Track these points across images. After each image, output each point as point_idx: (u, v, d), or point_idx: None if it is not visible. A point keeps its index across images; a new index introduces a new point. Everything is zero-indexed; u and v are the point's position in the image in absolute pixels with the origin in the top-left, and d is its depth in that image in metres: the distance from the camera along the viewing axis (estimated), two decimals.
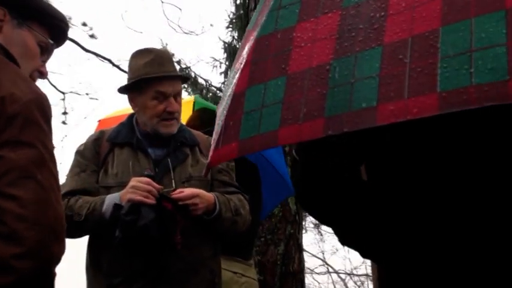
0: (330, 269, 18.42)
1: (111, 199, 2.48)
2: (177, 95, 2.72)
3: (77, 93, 10.55)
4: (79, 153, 2.71)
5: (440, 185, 1.36)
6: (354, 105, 0.94)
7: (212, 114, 3.85)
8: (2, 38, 1.60)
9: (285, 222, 5.35)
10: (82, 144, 2.73)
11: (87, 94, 10.53)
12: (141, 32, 10.30)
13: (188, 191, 2.50)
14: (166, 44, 11.12)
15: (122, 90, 2.79)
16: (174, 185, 2.56)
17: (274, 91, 1.03)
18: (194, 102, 4.17)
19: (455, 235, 1.35)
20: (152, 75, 2.65)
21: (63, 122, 10.63)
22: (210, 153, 1.15)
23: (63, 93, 10.45)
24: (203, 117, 3.60)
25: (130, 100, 2.75)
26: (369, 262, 19.82)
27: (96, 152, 2.68)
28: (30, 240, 1.32)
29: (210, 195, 2.56)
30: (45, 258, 1.37)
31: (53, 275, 1.43)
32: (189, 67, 10.78)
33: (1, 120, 1.38)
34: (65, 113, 10.50)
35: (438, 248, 1.38)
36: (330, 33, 1.05)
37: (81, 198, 2.51)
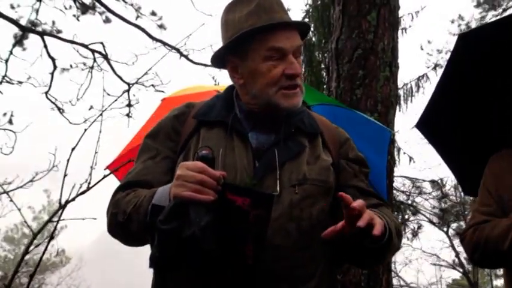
0: (402, 282, 17.45)
1: (160, 191, 1.74)
2: (297, 52, 1.94)
3: (143, 85, 9.91)
4: (150, 133, 2.01)
5: None
6: None
7: None
8: None
9: None
10: (156, 123, 2.04)
11: (153, 86, 9.84)
12: (211, 15, 9.59)
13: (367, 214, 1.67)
14: None
15: (217, 58, 2.03)
16: (278, 188, 1.81)
17: None
18: None
19: None
20: (261, 25, 1.88)
21: (128, 115, 10.06)
22: None
23: (128, 84, 9.86)
24: None
25: (232, 71, 2.00)
26: (446, 278, 18.62)
27: (176, 132, 1.98)
28: None
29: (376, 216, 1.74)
30: None
31: None
32: None
33: None
34: (129, 105, 9.90)
35: None
36: None
37: (135, 191, 1.87)
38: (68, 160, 2.63)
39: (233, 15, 1.95)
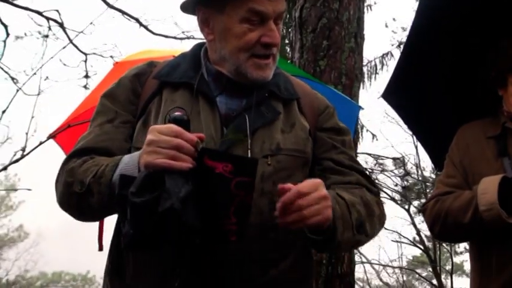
0: (363, 259, 17.59)
1: (126, 161, 1.56)
2: (279, 19, 1.72)
3: (101, 56, 9.55)
4: (109, 93, 1.78)
5: None
6: None
7: None
8: None
9: None
10: (115, 82, 1.80)
11: (111, 57, 9.50)
12: None
13: (293, 189, 1.49)
14: None
15: (187, 5, 1.78)
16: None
17: None
18: None
19: None
20: None
21: (85, 87, 9.72)
22: None
23: (86, 54, 9.50)
24: None
25: (204, 21, 1.76)
26: (407, 255, 18.97)
27: (135, 94, 1.75)
28: None
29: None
30: None
31: None
32: None
33: None
34: (86, 76, 9.56)
35: None
36: None
37: (94, 159, 1.66)
38: None
39: None
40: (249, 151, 1.62)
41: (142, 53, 3.44)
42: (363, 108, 4.03)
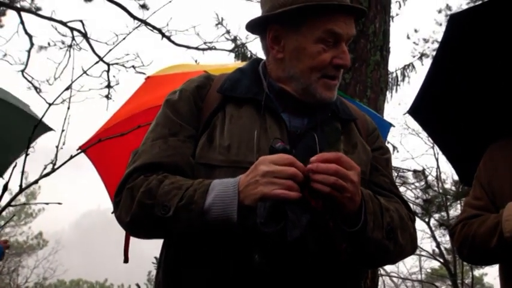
0: (382, 271, 17.45)
1: (220, 188, 1.52)
2: (348, 42, 1.73)
3: (123, 66, 9.61)
4: (171, 104, 1.73)
5: None
6: None
7: None
8: None
9: None
10: (176, 91, 1.76)
11: (133, 67, 9.55)
12: None
13: (332, 155, 1.51)
14: (222, 19, 10.07)
15: (257, 22, 1.78)
16: None
17: None
18: None
19: None
20: (329, 2, 1.66)
21: (107, 96, 9.80)
22: None
23: (108, 64, 9.57)
24: None
25: (273, 41, 1.74)
26: (427, 268, 18.67)
27: (198, 108, 1.72)
28: None
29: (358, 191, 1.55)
30: None
31: None
32: (245, 44, 9.69)
33: None
34: (109, 86, 9.64)
35: None
36: None
37: (168, 178, 1.58)
38: (30, 138, 2.39)
39: None
40: None
41: (173, 68, 3.43)
42: (393, 126, 3.99)
